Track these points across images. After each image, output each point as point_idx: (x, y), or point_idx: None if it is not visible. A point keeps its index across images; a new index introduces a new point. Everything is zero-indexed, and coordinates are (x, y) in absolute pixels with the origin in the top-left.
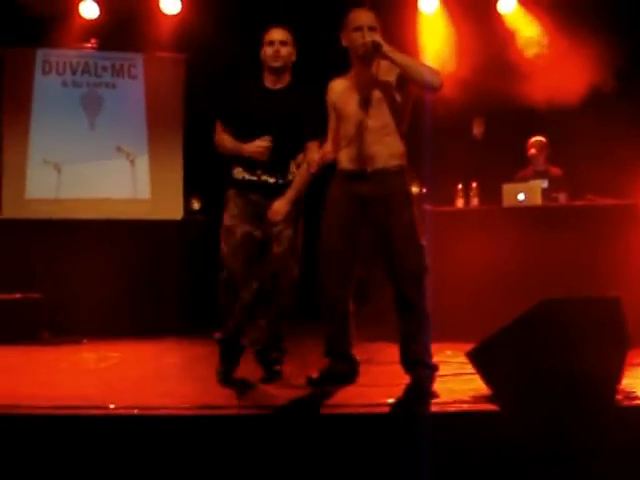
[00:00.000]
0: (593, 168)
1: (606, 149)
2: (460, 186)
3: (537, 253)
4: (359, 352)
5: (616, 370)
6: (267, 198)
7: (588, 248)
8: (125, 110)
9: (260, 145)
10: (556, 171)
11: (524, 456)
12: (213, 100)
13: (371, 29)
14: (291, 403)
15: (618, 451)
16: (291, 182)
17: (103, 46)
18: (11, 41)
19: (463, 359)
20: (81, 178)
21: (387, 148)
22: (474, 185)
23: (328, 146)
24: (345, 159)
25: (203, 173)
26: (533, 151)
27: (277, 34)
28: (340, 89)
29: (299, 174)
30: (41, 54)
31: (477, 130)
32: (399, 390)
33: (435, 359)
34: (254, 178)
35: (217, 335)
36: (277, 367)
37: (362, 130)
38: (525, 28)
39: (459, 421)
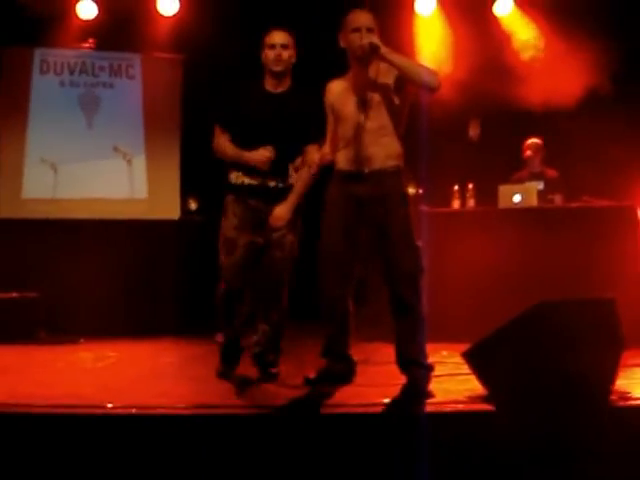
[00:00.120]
0: (589, 170)
1: (602, 151)
2: (456, 187)
3: (533, 254)
4: (356, 352)
5: (611, 371)
6: (267, 203)
7: (584, 249)
8: (122, 110)
9: (263, 155)
10: (552, 173)
11: (520, 456)
12: (212, 104)
13: (369, 30)
14: (288, 403)
15: (613, 451)
16: (290, 185)
17: (101, 46)
18: (9, 40)
19: (459, 359)
20: (78, 178)
21: (384, 149)
22: (470, 186)
23: (326, 147)
24: (343, 160)
25: (200, 173)
26: (529, 153)
27: (278, 37)
28: (338, 90)
29: (300, 178)
30: (39, 54)
31: (473, 132)
32: (395, 390)
33: (431, 359)
34: (253, 182)
35: (219, 338)
36: (274, 370)
37: (360, 131)
38: (521, 31)
39: (455, 421)
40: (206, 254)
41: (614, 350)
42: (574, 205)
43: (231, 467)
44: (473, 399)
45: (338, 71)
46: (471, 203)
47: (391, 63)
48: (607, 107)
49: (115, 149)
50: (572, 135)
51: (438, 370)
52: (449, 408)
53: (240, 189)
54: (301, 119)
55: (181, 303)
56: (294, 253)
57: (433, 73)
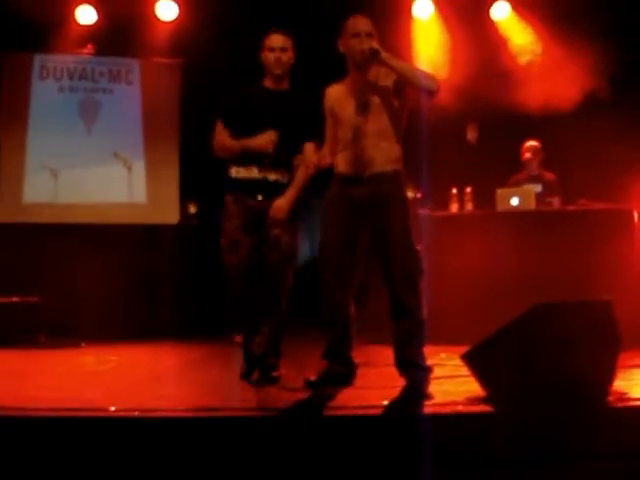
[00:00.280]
0: (586, 173)
1: (599, 154)
2: (454, 191)
3: (531, 257)
4: (356, 355)
5: (608, 372)
6: (267, 198)
7: (581, 252)
8: (122, 115)
9: (268, 137)
10: (550, 176)
11: (518, 457)
12: (214, 100)
13: (369, 36)
14: (289, 405)
15: (611, 451)
16: (289, 181)
17: (100, 52)
18: (9, 46)
19: (458, 361)
20: (78, 183)
21: (383, 153)
22: (468, 190)
23: (325, 151)
24: (342, 163)
25: (199, 178)
26: (528, 155)
27: (278, 40)
28: (337, 94)
29: (297, 174)
30: (38, 59)
31: (471, 135)
32: (395, 392)
33: (430, 362)
34: (253, 176)
35: (238, 339)
36: (275, 373)
37: (359, 135)
38: (518, 35)
39: (454, 422)
40: (205, 258)
41: (611, 351)
42: (571, 208)
43: (232, 469)
44: (472, 400)
45: (336, 76)
46: (469, 206)
47: (391, 68)
48: (604, 110)
49: (115, 154)
50: (569, 138)
51: (437, 372)
52: (448, 409)
53: (240, 185)
54: (300, 116)
55: (180, 307)
56: (292, 255)
57: (432, 78)
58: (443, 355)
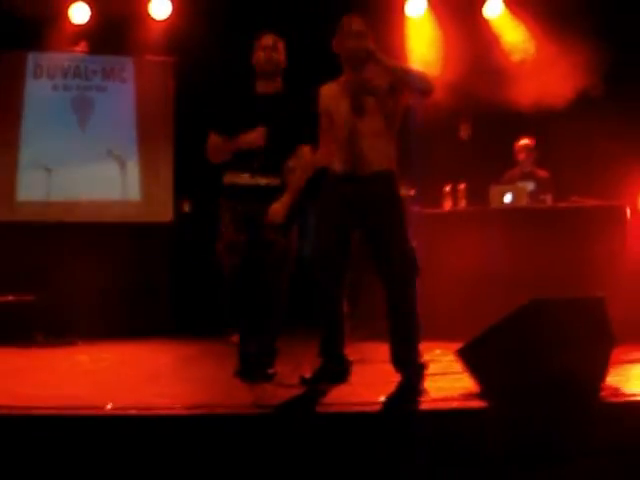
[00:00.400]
0: (579, 170)
1: (591, 151)
2: (448, 188)
3: (524, 253)
4: (351, 352)
5: (601, 367)
6: (260, 203)
7: (574, 249)
8: (115, 113)
9: (257, 131)
10: (543, 173)
11: (512, 452)
12: (206, 112)
13: (363, 36)
14: (284, 402)
15: (603, 446)
16: (283, 185)
17: (93, 50)
18: (2, 45)
19: (452, 358)
20: (72, 181)
21: (378, 152)
22: (462, 187)
23: (320, 151)
24: (336, 163)
25: (193, 176)
26: (522, 156)
27: (269, 40)
28: (331, 94)
29: (293, 178)
30: (32, 58)
31: (464, 132)
32: (390, 388)
33: (425, 358)
34: (245, 181)
35: (234, 339)
36: (270, 371)
37: (353, 134)
38: (511, 32)
39: (448, 418)
40: (199, 256)
41: (604, 347)
42: (564, 205)
43: (228, 466)
44: (466, 396)
45: (329, 75)
46: (463, 203)
47: (386, 68)
48: (597, 108)
49: (108, 152)
50: (562, 135)
51: (432, 368)
52: (443, 405)
53: (233, 190)
54: (293, 119)
55: (175, 305)
56: (288, 257)
57: (427, 78)
58: (438, 351)
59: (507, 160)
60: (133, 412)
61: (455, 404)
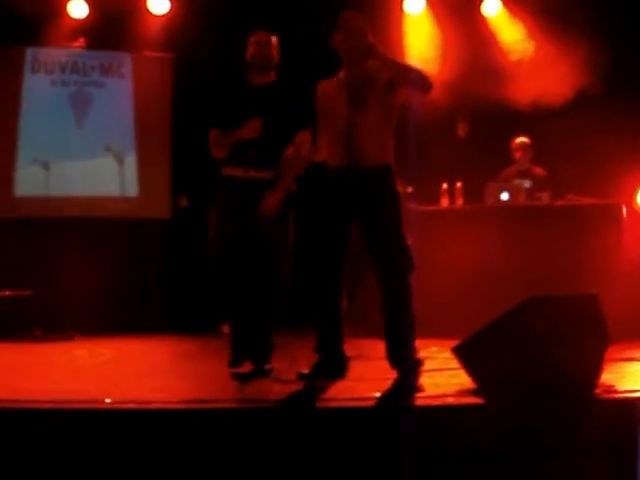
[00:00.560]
0: (575, 168)
1: (588, 150)
2: (445, 185)
3: (520, 252)
4: (348, 348)
5: (596, 365)
6: (253, 196)
7: (570, 247)
8: (113, 109)
9: (252, 123)
10: (539, 171)
11: (507, 449)
12: (203, 109)
13: (362, 32)
14: (281, 397)
15: (598, 442)
16: (276, 179)
17: (92, 45)
18: (1, 39)
19: (448, 355)
20: (69, 176)
21: (375, 146)
22: (459, 185)
23: (318, 145)
24: (334, 158)
25: (191, 172)
26: (518, 154)
27: (262, 36)
28: (329, 89)
29: (289, 165)
30: (30, 53)
31: (462, 130)
32: (386, 384)
33: (421, 355)
34: (242, 174)
35: (225, 330)
36: (267, 366)
37: (351, 129)
38: (509, 31)
39: (444, 414)
40: (197, 252)
41: (599, 345)
42: (560, 203)
43: (225, 461)
44: (462, 393)
45: (328, 71)
46: (460, 201)
47: (385, 64)
48: (593, 106)
49: (106, 148)
50: (559, 133)
51: (428, 365)
52: (439, 401)
53: (232, 183)
54: (288, 109)
55: (172, 301)
56: (284, 250)
57: (426, 75)
58: (434, 348)
59: (504, 158)
60: (132, 406)
61: (451, 400)
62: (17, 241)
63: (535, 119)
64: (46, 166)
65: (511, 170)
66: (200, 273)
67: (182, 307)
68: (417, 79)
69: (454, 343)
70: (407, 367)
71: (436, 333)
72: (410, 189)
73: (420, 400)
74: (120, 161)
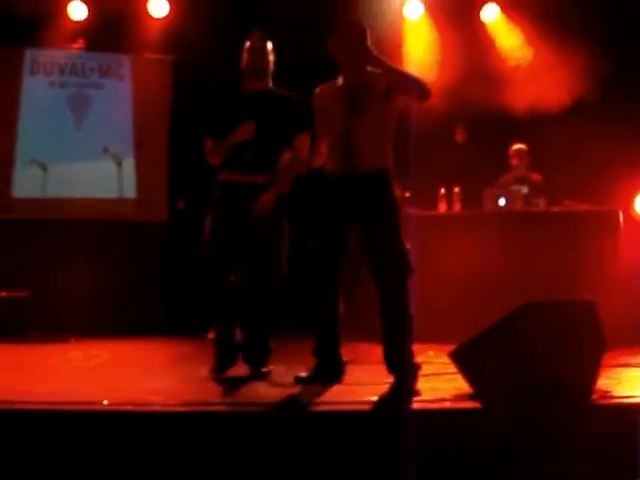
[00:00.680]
0: (572, 174)
1: (585, 156)
2: (443, 191)
3: (517, 257)
4: (345, 352)
5: (592, 370)
6: (253, 199)
7: (567, 253)
8: (112, 111)
9: (245, 126)
10: (536, 177)
11: (504, 453)
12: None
13: (360, 37)
14: (279, 401)
15: (594, 448)
16: (271, 184)
17: (91, 47)
18: (0, 41)
19: (445, 359)
20: (67, 178)
21: (373, 151)
22: (456, 190)
23: (316, 150)
24: (332, 163)
25: (189, 174)
26: (515, 161)
27: (257, 42)
28: (327, 95)
29: (287, 168)
30: (30, 54)
31: (460, 136)
32: (383, 389)
33: (418, 359)
34: (237, 179)
35: (211, 335)
36: (264, 369)
37: (349, 135)
38: (507, 37)
39: (441, 418)
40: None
41: (596, 350)
42: (556, 209)
43: (223, 464)
44: (459, 397)
45: (325, 77)
46: (457, 206)
47: (383, 70)
48: (591, 112)
49: (104, 149)
50: (556, 140)
51: (425, 369)
52: (436, 406)
53: (227, 187)
54: (283, 112)
55: (169, 303)
56: (277, 250)
57: (424, 83)
58: (431, 353)
59: (502, 164)
60: (130, 408)
61: (448, 405)
62: (14, 242)
63: (533, 125)
64: (44, 167)
65: (508, 177)
66: (197, 275)
67: (179, 309)
68: (415, 87)
69: (451, 348)
70: (404, 371)
71: (433, 337)
72: (408, 194)
73: (417, 404)
74: (118, 163)
